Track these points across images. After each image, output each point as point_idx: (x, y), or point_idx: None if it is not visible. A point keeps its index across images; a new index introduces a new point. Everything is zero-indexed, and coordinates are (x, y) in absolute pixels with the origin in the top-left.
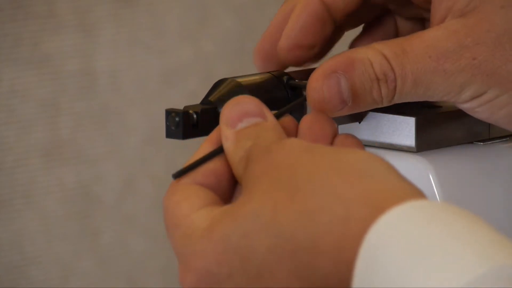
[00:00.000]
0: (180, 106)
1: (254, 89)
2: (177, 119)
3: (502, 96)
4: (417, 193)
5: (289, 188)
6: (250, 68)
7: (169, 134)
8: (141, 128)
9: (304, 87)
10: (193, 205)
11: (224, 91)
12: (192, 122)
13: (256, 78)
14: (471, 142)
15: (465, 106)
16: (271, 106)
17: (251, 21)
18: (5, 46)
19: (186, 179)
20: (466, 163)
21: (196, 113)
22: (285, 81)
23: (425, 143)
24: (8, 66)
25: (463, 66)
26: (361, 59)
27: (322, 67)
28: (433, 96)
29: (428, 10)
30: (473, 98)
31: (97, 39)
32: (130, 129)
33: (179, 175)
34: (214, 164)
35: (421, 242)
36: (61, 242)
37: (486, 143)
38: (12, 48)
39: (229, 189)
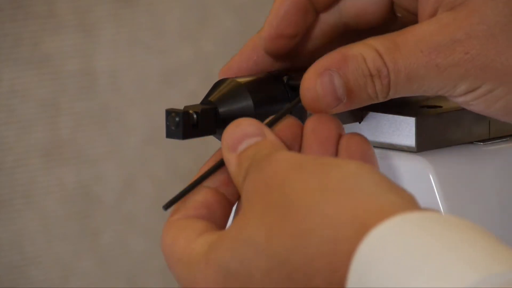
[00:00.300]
0: (180, 106)
1: (254, 89)
2: (177, 119)
3: (497, 90)
4: (408, 204)
5: (280, 211)
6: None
7: (169, 134)
8: (141, 128)
9: None
10: (189, 236)
11: (224, 91)
12: (192, 122)
13: (256, 78)
14: (471, 142)
15: (460, 100)
16: (271, 106)
17: (251, 21)
18: (5, 46)
19: (178, 215)
20: (466, 163)
21: (196, 113)
22: (285, 81)
23: (425, 143)
24: (8, 66)
25: (456, 61)
26: (354, 55)
27: (314, 66)
28: (428, 91)
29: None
30: (467, 92)
31: (97, 39)
32: (130, 129)
33: (169, 205)
34: (203, 196)
35: (409, 254)
36: (61, 242)
37: (486, 143)
38: (12, 48)
39: (223, 217)
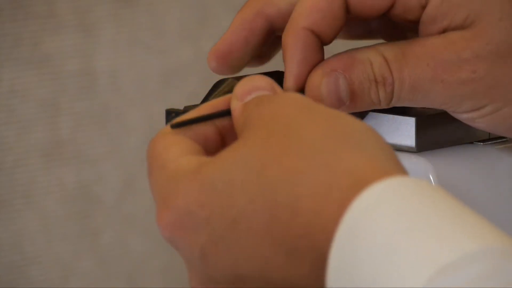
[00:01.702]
0: (180, 106)
1: None
2: None
3: (503, 109)
4: (406, 174)
5: (282, 141)
6: (250, 69)
7: None
8: (141, 128)
9: None
10: (182, 150)
11: (224, 91)
12: None
13: None
14: (471, 142)
15: (464, 117)
16: None
17: None
18: (5, 46)
19: (176, 131)
20: (466, 163)
21: None
22: None
23: (425, 143)
24: (8, 66)
25: (463, 79)
26: (362, 59)
27: (322, 65)
28: (432, 103)
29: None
30: (473, 110)
31: (97, 39)
32: (130, 129)
33: (177, 126)
34: (206, 128)
35: (408, 217)
36: (61, 242)
37: (486, 143)
38: (12, 48)
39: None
